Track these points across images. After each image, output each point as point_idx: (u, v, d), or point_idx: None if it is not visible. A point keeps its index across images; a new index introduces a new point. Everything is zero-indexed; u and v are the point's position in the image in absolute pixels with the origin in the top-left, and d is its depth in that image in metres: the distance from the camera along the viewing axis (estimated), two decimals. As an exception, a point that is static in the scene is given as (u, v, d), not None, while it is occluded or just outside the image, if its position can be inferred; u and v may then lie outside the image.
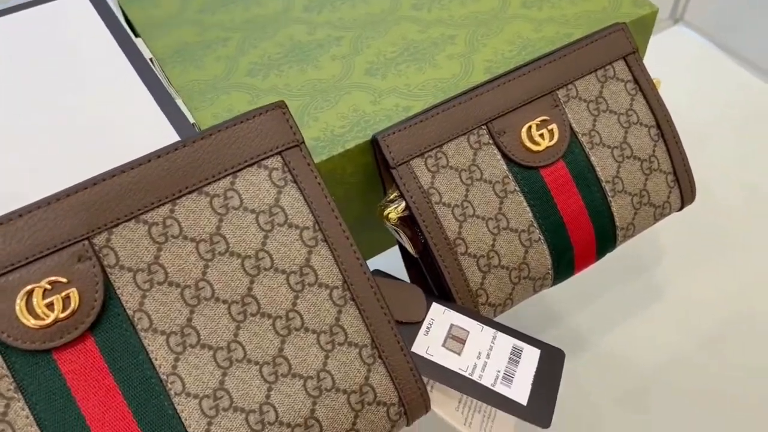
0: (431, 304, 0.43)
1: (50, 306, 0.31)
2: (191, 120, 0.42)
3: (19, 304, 0.31)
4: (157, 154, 0.34)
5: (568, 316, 0.63)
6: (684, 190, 0.50)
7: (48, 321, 0.31)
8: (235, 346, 0.33)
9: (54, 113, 0.41)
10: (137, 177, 0.33)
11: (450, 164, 0.43)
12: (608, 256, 0.51)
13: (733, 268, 0.66)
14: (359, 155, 0.44)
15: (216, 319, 0.33)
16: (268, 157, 0.36)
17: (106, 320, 0.32)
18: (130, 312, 0.32)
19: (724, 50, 0.90)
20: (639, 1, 0.54)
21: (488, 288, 0.44)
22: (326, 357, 0.35)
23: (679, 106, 0.80)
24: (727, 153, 0.77)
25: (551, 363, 0.42)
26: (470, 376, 0.39)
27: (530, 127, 0.45)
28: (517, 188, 0.44)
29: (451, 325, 0.42)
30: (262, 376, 0.33)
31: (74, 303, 0.31)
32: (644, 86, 0.49)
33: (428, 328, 0.41)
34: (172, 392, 0.32)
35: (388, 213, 0.43)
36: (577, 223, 0.46)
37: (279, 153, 0.36)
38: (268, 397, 0.33)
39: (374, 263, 0.52)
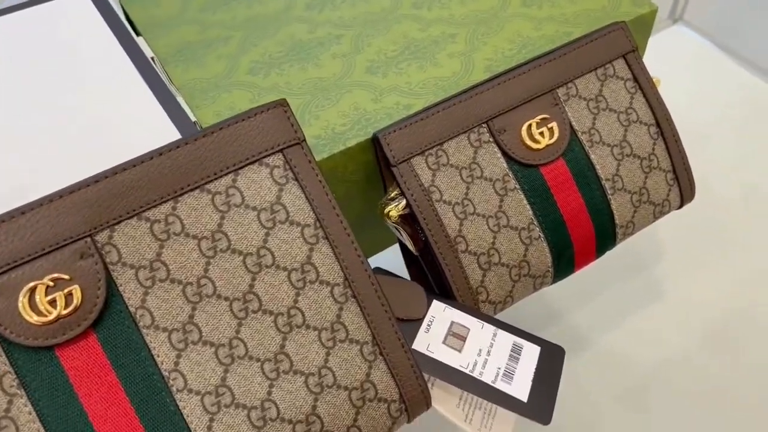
0: (432, 301, 0.43)
1: (53, 303, 0.31)
2: (193, 118, 0.43)
3: (22, 300, 0.31)
4: (159, 152, 0.34)
5: (568, 314, 0.63)
6: (683, 188, 0.50)
7: (51, 318, 0.31)
8: (237, 342, 0.33)
9: (56, 112, 0.41)
10: (139, 174, 0.34)
11: (450, 162, 0.44)
12: (608, 254, 0.51)
13: (733, 265, 0.66)
14: (360, 153, 0.45)
15: (218, 316, 0.33)
16: (269, 155, 0.36)
17: (109, 317, 0.32)
18: (132, 309, 0.32)
19: (723, 50, 0.90)
20: (638, 0, 0.54)
21: (488, 285, 0.44)
22: (327, 354, 0.35)
23: (678, 105, 0.80)
24: (726, 153, 0.77)
25: (551, 360, 0.42)
26: (471, 373, 0.40)
27: (530, 125, 0.45)
28: (518, 186, 0.45)
29: (452, 323, 0.42)
30: (264, 373, 0.33)
31: (77, 300, 0.31)
32: (644, 85, 0.49)
33: (429, 325, 0.41)
34: (174, 389, 0.32)
35: (389, 211, 0.43)
36: (577, 221, 0.46)
37: (280, 151, 0.36)
38: (269, 393, 0.33)
39: (375, 261, 0.52)
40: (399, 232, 0.44)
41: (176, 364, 0.32)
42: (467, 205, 0.43)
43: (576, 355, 0.60)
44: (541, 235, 0.45)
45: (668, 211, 0.51)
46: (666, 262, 0.67)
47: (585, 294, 0.64)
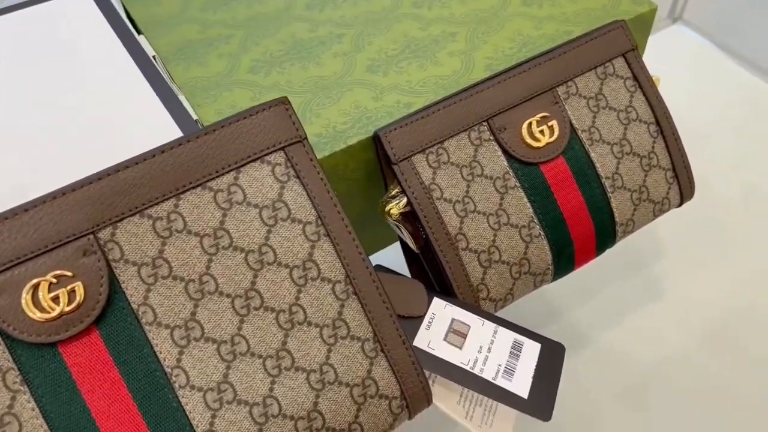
0: (432, 299, 0.43)
1: (56, 299, 0.31)
2: (194, 117, 0.43)
3: (25, 297, 0.31)
4: (161, 150, 0.34)
5: (568, 312, 0.63)
6: (683, 186, 0.50)
7: (53, 314, 0.31)
8: (239, 339, 0.34)
9: (57, 111, 0.42)
10: (141, 172, 0.34)
11: (451, 160, 0.44)
12: (608, 252, 0.52)
13: (733, 264, 0.67)
14: (361, 151, 0.45)
15: (220, 313, 0.33)
16: (271, 153, 0.36)
17: (111, 314, 0.32)
18: (134, 306, 0.32)
19: (723, 49, 0.90)
20: (638, -1, 0.54)
21: (489, 283, 0.44)
22: (329, 350, 0.35)
23: (678, 105, 0.80)
24: (726, 152, 0.77)
25: (552, 357, 0.42)
26: (471, 370, 0.40)
27: (530, 123, 0.46)
28: (518, 184, 0.45)
29: (453, 320, 0.42)
30: (266, 370, 0.34)
31: (79, 297, 0.31)
32: (643, 83, 0.49)
33: (430, 322, 0.42)
34: (176, 385, 0.32)
35: (390, 209, 0.43)
36: (577, 219, 0.46)
37: (282, 149, 0.36)
38: (271, 390, 0.33)
39: (376, 259, 0.53)
40: (400, 229, 0.44)
41: (178, 360, 0.32)
42: (468, 202, 0.44)
43: (576, 352, 0.60)
44: (542, 232, 0.45)
45: (668, 209, 0.51)
46: (666, 261, 0.67)
47: (585, 292, 0.65)
